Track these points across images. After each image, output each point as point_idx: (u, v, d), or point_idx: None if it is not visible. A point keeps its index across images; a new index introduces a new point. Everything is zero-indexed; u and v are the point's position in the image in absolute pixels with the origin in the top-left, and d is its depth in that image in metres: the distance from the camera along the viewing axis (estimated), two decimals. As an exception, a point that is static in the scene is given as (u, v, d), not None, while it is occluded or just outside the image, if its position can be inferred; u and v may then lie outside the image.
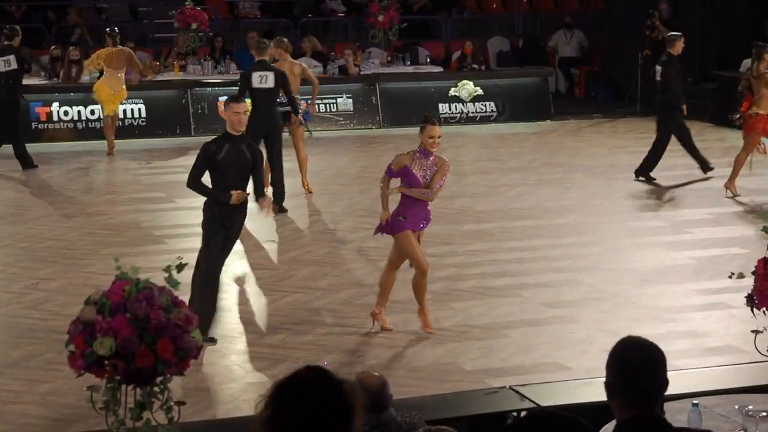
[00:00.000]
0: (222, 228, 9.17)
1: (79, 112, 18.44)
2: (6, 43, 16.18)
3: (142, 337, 5.86)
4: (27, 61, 16.42)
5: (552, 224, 13.20)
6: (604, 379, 4.02)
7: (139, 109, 18.71)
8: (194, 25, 19.58)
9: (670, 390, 4.05)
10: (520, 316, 10.06)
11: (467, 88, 20.18)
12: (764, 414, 6.15)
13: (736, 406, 6.32)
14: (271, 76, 13.57)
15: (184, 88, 19.02)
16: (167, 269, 6.18)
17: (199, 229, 9.36)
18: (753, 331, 7.61)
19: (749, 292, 7.61)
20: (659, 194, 14.97)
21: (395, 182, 9.45)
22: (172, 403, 5.99)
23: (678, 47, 15.32)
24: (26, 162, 16.12)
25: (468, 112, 20.21)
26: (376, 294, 9.73)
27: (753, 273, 7.59)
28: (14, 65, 15.99)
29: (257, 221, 11.67)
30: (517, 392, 7.38)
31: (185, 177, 9.35)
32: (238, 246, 9.77)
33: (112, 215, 13.60)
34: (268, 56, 13.97)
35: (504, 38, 24.27)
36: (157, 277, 6.22)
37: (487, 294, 10.63)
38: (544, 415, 3.95)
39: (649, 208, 14.23)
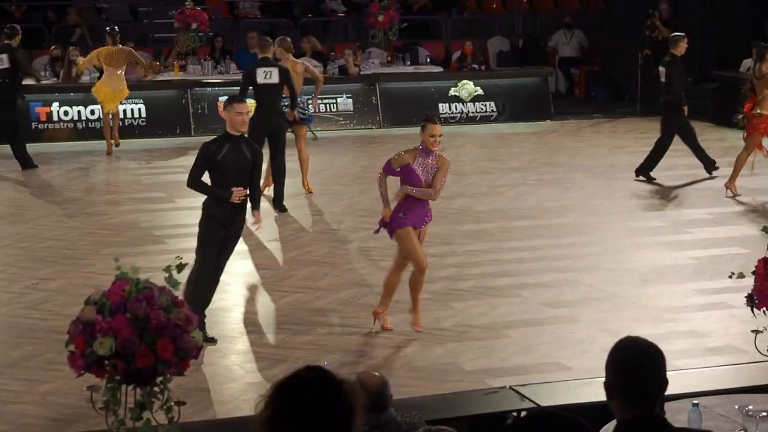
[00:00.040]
0: (221, 228, 9.16)
1: (79, 112, 18.44)
2: (5, 42, 16.17)
3: (142, 337, 5.86)
4: (19, 61, 16.23)
5: (552, 224, 13.20)
6: (603, 379, 4.02)
7: (139, 109, 18.71)
8: (194, 25, 19.57)
9: (670, 390, 4.05)
10: (521, 316, 10.06)
11: (467, 88, 20.18)
12: (764, 414, 6.15)
13: (736, 406, 6.32)
14: (275, 71, 13.61)
15: (184, 88, 19.02)
16: (167, 269, 6.18)
17: (199, 230, 9.36)
18: (753, 331, 7.61)
19: (749, 291, 7.61)
20: (659, 194, 14.97)
21: (393, 182, 9.45)
22: (172, 403, 5.99)
23: (681, 48, 15.32)
24: (26, 162, 16.12)
25: (468, 112, 20.22)
26: (376, 294, 9.72)
27: (753, 273, 7.60)
28: (6, 64, 15.96)
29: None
30: (517, 392, 7.38)
31: (185, 177, 9.34)
32: (239, 246, 9.75)
33: (112, 215, 13.60)
34: (271, 54, 14.01)
35: (504, 38, 24.28)
36: (157, 277, 6.22)
37: (488, 294, 10.63)
38: (544, 415, 3.95)
39: (649, 208, 14.23)
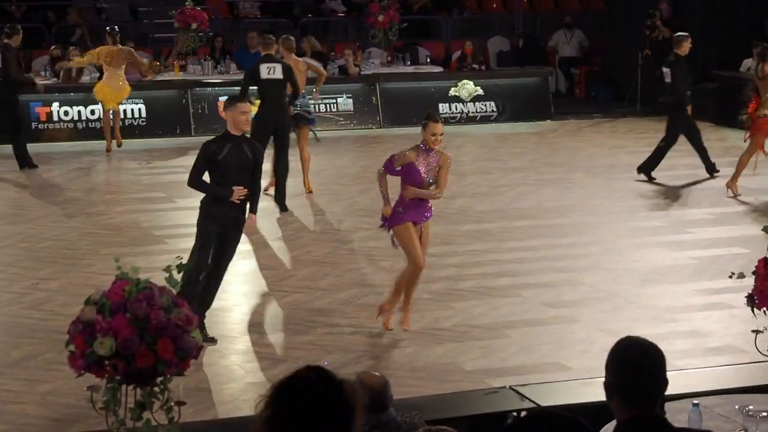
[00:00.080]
0: (221, 228, 9.16)
1: (79, 112, 18.43)
2: (5, 41, 16.14)
3: (142, 337, 5.86)
4: (9, 60, 16.11)
5: (552, 224, 13.20)
6: (603, 379, 4.02)
7: (139, 109, 18.71)
8: (194, 25, 19.57)
9: (671, 390, 4.05)
10: (521, 316, 10.06)
11: (467, 88, 20.18)
12: (764, 414, 6.15)
13: (737, 406, 6.32)
14: (278, 67, 13.66)
15: (184, 88, 19.02)
16: (167, 269, 6.18)
17: (198, 230, 9.36)
18: (753, 331, 7.62)
19: (750, 292, 7.61)
20: (660, 194, 14.96)
21: (393, 182, 9.44)
22: (173, 403, 5.99)
23: (685, 48, 15.31)
24: (24, 162, 16.08)
25: (468, 112, 20.22)
26: (376, 294, 9.72)
27: (753, 273, 7.60)
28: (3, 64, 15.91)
29: (259, 220, 11.64)
30: (517, 392, 7.38)
31: (186, 177, 9.34)
32: (239, 246, 9.74)
33: (112, 215, 13.59)
34: (274, 51, 14.04)
35: (504, 38, 24.27)
36: (157, 277, 6.23)
37: (488, 294, 10.63)
38: (544, 415, 3.95)
39: (649, 208, 14.22)
